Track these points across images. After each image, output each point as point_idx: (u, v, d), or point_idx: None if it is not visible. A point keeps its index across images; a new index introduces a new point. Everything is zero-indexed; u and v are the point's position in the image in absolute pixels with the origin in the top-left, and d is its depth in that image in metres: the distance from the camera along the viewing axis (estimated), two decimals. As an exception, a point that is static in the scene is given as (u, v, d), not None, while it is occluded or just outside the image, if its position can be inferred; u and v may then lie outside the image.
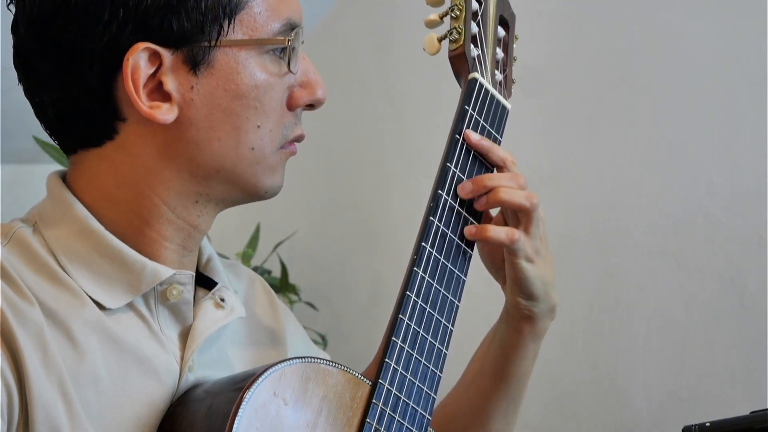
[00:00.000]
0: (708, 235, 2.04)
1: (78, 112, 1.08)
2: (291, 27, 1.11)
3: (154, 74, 1.06)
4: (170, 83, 1.07)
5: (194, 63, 1.07)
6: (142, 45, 1.05)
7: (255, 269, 2.50)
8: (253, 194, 1.14)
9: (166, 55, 1.06)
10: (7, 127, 2.27)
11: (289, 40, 1.10)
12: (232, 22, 1.07)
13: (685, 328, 2.06)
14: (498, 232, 1.20)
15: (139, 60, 1.05)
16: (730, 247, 2.02)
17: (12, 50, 1.11)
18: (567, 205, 2.24)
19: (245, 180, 1.12)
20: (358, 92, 2.65)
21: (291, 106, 1.13)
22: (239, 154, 1.10)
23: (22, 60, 1.09)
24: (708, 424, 1.20)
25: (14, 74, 1.12)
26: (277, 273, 2.53)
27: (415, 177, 2.50)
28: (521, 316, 1.27)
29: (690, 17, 2.09)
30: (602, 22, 2.23)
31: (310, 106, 1.15)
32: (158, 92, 1.07)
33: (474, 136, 1.22)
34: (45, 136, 2.14)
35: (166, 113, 1.07)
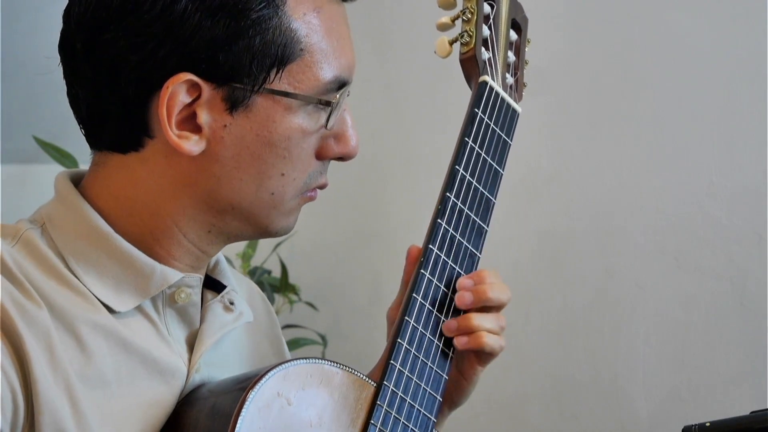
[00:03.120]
0: (708, 235, 2.04)
1: (108, 116, 1.07)
2: (339, 84, 1.09)
3: (189, 104, 1.05)
4: (204, 117, 1.06)
5: (233, 103, 1.05)
6: (185, 76, 1.03)
7: (255, 269, 2.50)
8: (263, 233, 1.14)
9: (207, 89, 1.05)
10: (7, 127, 2.26)
11: (332, 101, 1.09)
12: (281, 71, 1.06)
13: (685, 328, 2.06)
14: (495, 340, 1.19)
15: (178, 90, 1.04)
16: (730, 247, 2.02)
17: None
18: (567, 205, 2.24)
19: (259, 220, 1.11)
20: (358, 92, 2.64)
21: (321, 156, 1.12)
22: (258, 196, 1.09)
23: (65, 49, 1.09)
24: (708, 424, 1.20)
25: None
26: (277, 273, 2.53)
27: (415, 177, 2.50)
28: None
29: (690, 17, 2.09)
30: (603, 22, 2.23)
31: (340, 158, 1.14)
32: (190, 122, 1.06)
33: (450, 330, 1.18)
34: (45, 136, 2.15)
35: (193, 145, 1.06)
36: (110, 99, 1.06)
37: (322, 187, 1.15)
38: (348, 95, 1.11)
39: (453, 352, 1.18)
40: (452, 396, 1.24)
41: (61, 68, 1.11)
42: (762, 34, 1.98)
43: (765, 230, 1.97)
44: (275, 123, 1.07)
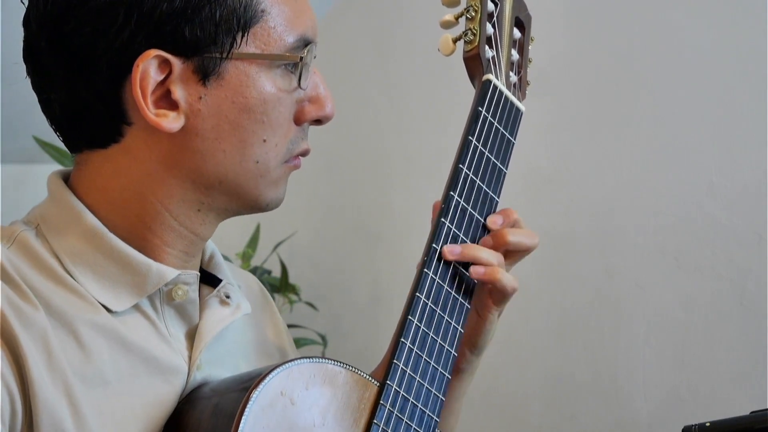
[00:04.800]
0: (708, 235, 2.05)
1: (84, 112, 1.07)
2: (305, 43, 1.10)
3: (162, 82, 1.05)
4: (178, 92, 1.06)
5: (204, 73, 1.06)
6: (153, 52, 1.04)
7: (255, 269, 2.50)
8: (254, 206, 1.14)
9: (177, 63, 1.05)
10: (7, 127, 2.27)
11: (301, 57, 1.09)
12: (246, 35, 1.06)
13: (685, 328, 2.07)
14: (507, 280, 1.21)
15: (149, 67, 1.04)
16: (730, 247, 2.02)
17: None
18: (567, 205, 2.24)
19: (247, 192, 1.11)
20: (358, 92, 2.65)
21: (298, 120, 1.12)
22: (243, 166, 1.09)
23: (31, 56, 1.08)
24: (708, 424, 1.20)
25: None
26: (277, 273, 2.53)
27: (416, 177, 2.50)
28: (455, 371, 1.26)
29: (690, 17, 2.09)
30: (603, 22, 2.23)
31: (318, 122, 1.14)
32: (166, 100, 1.06)
33: (452, 252, 1.19)
34: (45, 136, 2.15)
35: (172, 122, 1.06)
36: (84, 93, 1.06)
37: (304, 153, 1.15)
38: (315, 57, 1.12)
39: (455, 351, 1.18)
40: (472, 339, 1.25)
41: (29, 80, 1.10)
42: (762, 34, 1.98)
43: (765, 230, 1.97)
44: (249, 88, 1.07)
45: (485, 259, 1.19)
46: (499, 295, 1.22)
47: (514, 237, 1.21)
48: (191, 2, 1.04)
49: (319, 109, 1.13)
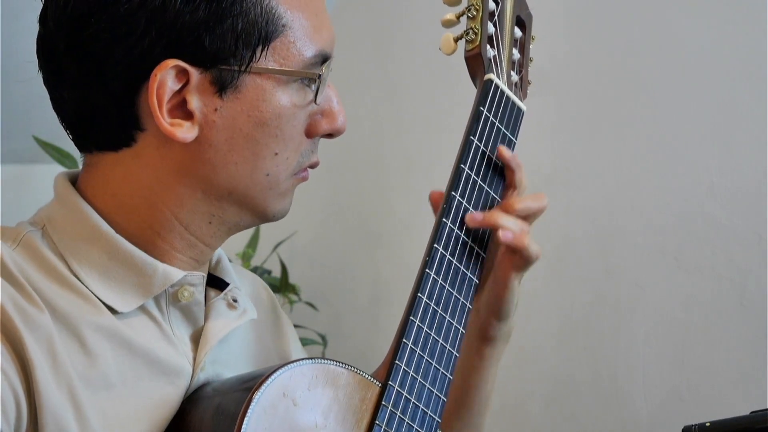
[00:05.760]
0: (708, 235, 2.05)
1: (97, 115, 1.06)
2: (323, 59, 1.10)
3: (179, 91, 1.05)
4: (194, 102, 1.05)
5: (221, 85, 1.05)
6: (172, 62, 1.03)
7: (255, 269, 2.50)
8: (262, 218, 1.14)
9: (195, 74, 1.04)
10: (7, 127, 2.26)
11: (319, 75, 1.09)
12: (266, 48, 1.06)
13: (685, 328, 2.07)
14: (533, 246, 1.21)
15: (166, 76, 1.03)
16: (730, 247, 2.02)
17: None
18: (567, 205, 2.24)
19: (256, 204, 1.11)
20: (358, 92, 2.64)
21: (310, 134, 1.12)
22: (254, 178, 1.09)
23: (46, 54, 1.08)
24: (708, 424, 1.20)
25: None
26: (277, 273, 2.53)
27: (416, 177, 2.50)
28: (485, 338, 1.27)
29: (690, 17, 2.09)
30: (603, 22, 2.23)
31: (329, 135, 1.14)
32: (181, 109, 1.06)
33: (473, 219, 1.20)
34: (45, 136, 2.15)
35: (186, 132, 1.05)
36: (98, 96, 1.05)
37: (313, 166, 1.15)
38: (331, 71, 1.11)
39: (457, 351, 1.19)
40: (496, 307, 1.24)
41: (41, 75, 1.09)
42: (762, 34, 1.99)
43: (765, 230, 1.97)
44: (265, 102, 1.07)
45: (509, 224, 1.19)
46: (522, 261, 1.21)
47: (521, 204, 1.21)
48: (214, 13, 1.03)
49: (331, 123, 1.13)
